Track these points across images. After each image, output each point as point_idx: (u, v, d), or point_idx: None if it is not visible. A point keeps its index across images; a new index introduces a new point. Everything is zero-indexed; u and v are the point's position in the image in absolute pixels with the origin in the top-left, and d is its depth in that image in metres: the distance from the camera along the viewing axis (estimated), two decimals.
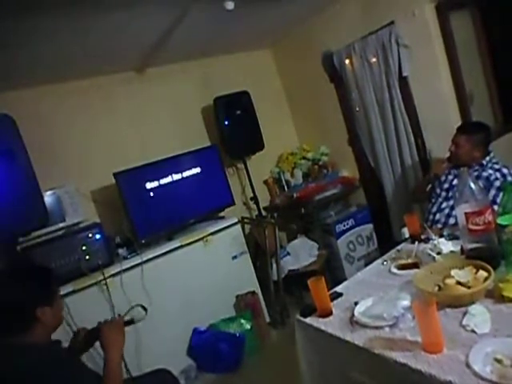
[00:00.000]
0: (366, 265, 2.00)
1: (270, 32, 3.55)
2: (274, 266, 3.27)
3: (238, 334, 2.80)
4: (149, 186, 2.94)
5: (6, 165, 1.97)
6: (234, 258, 3.12)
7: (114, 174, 2.81)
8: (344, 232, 3.47)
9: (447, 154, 2.46)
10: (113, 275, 2.58)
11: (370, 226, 3.60)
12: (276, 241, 3.24)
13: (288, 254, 3.45)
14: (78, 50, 2.55)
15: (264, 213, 3.72)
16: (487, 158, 2.34)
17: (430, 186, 2.65)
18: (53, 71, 2.80)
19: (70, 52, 2.55)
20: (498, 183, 2.21)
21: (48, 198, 2.68)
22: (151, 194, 2.95)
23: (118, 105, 3.29)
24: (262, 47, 4.01)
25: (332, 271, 3.48)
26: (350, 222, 3.51)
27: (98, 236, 2.62)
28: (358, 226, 3.53)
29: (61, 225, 2.70)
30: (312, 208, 3.56)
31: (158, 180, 2.98)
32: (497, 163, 2.33)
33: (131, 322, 1.79)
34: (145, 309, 1.87)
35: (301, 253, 3.43)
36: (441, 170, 2.51)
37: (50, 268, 1.60)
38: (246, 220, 3.59)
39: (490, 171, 2.28)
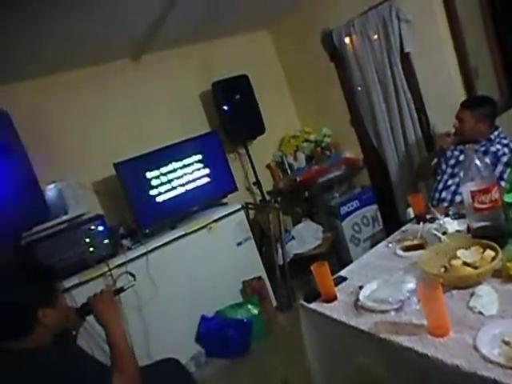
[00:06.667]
0: (372, 246, 1.98)
1: (268, 12, 3.44)
2: (280, 250, 3.26)
3: (245, 320, 2.81)
4: (149, 175, 2.92)
5: (3, 160, 1.94)
6: (239, 244, 3.11)
7: (115, 165, 2.78)
8: (349, 214, 3.43)
9: (453, 130, 2.40)
10: (118, 266, 2.57)
11: (375, 206, 3.56)
12: (280, 225, 3.22)
13: (293, 238, 3.43)
14: (71, 40, 2.49)
15: (268, 197, 3.68)
16: (495, 133, 2.27)
17: (435, 160, 2.59)
18: (47, 63, 2.74)
19: (65, 43, 2.50)
20: (505, 159, 2.16)
21: (49, 191, 2.67)
22: (152, 183, 2.93)
23: (114, 94, 3.23)
24: (260, 28, 3.90)
25: (338, 253, 3.46)
26: (355, 203, 3.47)
27: (100, 228, 2.61)
28: (362, 207, 3.49)
29: (64, 218, 2.68)
30: (316, 191, 3.52)
31: (159, 169, 2.96)
32: (505, 138, 2.26)
33: (121, 290, 1.76)
34: (132, 275, 1.84)
35: (306, 236, 3.41)
36: (447, 143, 2.43)
37: (50, 267, 1.54)
38: (249, 206, 3.57)
39: (498, 146, 2.22)
